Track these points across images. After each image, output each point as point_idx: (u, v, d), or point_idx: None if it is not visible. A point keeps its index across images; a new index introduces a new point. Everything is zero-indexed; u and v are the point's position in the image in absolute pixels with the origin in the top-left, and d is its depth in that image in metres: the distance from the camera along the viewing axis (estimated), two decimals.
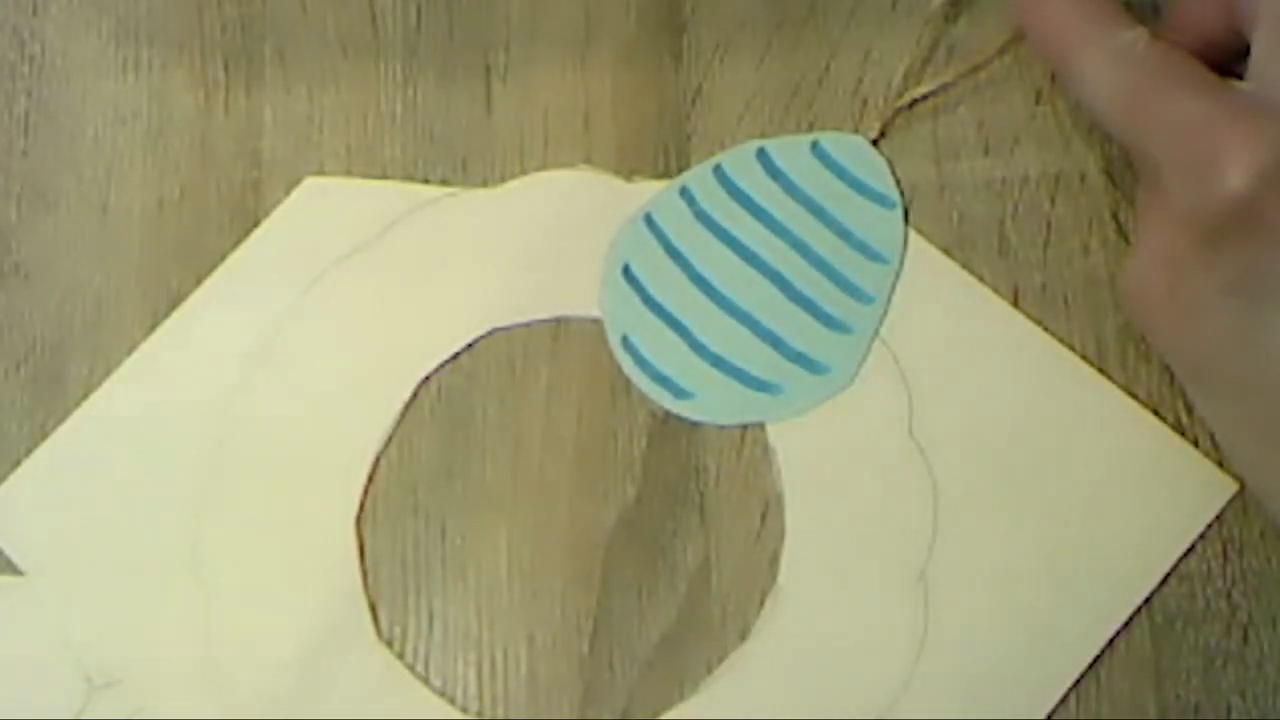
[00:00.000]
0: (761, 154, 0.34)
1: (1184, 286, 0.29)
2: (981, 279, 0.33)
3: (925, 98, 0.34)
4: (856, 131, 0.35)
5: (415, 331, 0.34)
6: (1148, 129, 0.29)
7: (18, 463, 0.33)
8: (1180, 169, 0.29)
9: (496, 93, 0.35)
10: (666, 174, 0.35)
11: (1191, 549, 0.32)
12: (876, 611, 0.31)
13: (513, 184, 0.35)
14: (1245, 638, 0.31)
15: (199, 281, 0.34)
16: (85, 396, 0.33)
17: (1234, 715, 0.31)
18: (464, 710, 0.32)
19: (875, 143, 0.34)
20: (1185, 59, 0.29)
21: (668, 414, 0.33)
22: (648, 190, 0.34)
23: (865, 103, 0.35)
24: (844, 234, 0.34)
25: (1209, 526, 0.32)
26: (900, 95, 0.34)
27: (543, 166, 0.35)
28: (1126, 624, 0.31)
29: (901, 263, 0.34)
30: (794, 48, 0.35)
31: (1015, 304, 0.33)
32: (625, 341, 0.33)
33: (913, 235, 0.34)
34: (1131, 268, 0.31)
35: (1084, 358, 0.33)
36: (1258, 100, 0.28)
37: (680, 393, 0.33)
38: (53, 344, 0.34)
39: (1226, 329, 0.28)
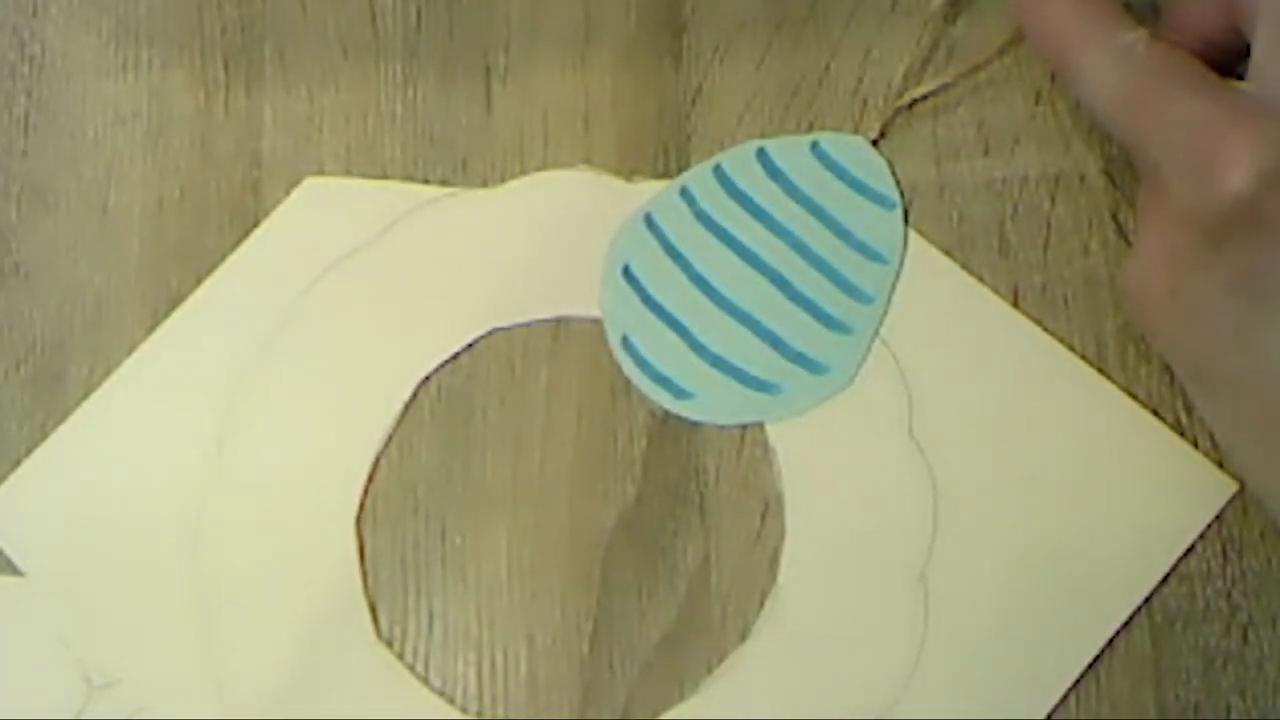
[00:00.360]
0: (761, 154, 0.34)
1: (1185, 286, 0.29)
2: (981, 279, 0.33)
3: (925, 98, 0.34)
4: (856, 131, 0.35)
5: (415, 331, 0.34)
6: (1148, 129, 0.29)
7: (18, 463, 0.33)
8: (1181, 169, 0.28)
9: (496, 93, 0.35)
10: (666, 174, 0.35)
11: (1191, 549, 0.32)
12: (876, 611, 0.31)
13: (513, 184, 0.35)
14: (1245, 638, 0.31)
15: (199, 281, 0.34)
16: (85, 396, 0.33)
17: (1234, 715, 0.31)
18: (464, 710, 0.32)
19: (875, 143, 0.34)
20: (1186, 59, 0.29)
21: (668, 414, 0.33)
22: (648, 190, 0.34)
23: (865, 103, 0.35)
24: (844, 234, 0.34)
25: (1209, 526, 0.32)
26: (900, 95, 0.34)
27: (543, 166, 0.35)
28: (1126, 624, 0.31)
29: (901, 263, 0.34)
30: (794, 48, 0.35)
31: (1015, 304, 0.33)
32: (625, 341, 0.33)
33: (913, 235, 0.34)
34: (1132, 268, 0.31)
35: (1084, 358, 0.33)
36: (1258, 101, 0.28)
37: (680, 393, 0.33)
38: (53, 344, 0.34)
39: (1227, 329, 0.28)
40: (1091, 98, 0.30)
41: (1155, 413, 0.32)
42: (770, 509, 0.32)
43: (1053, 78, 0.34)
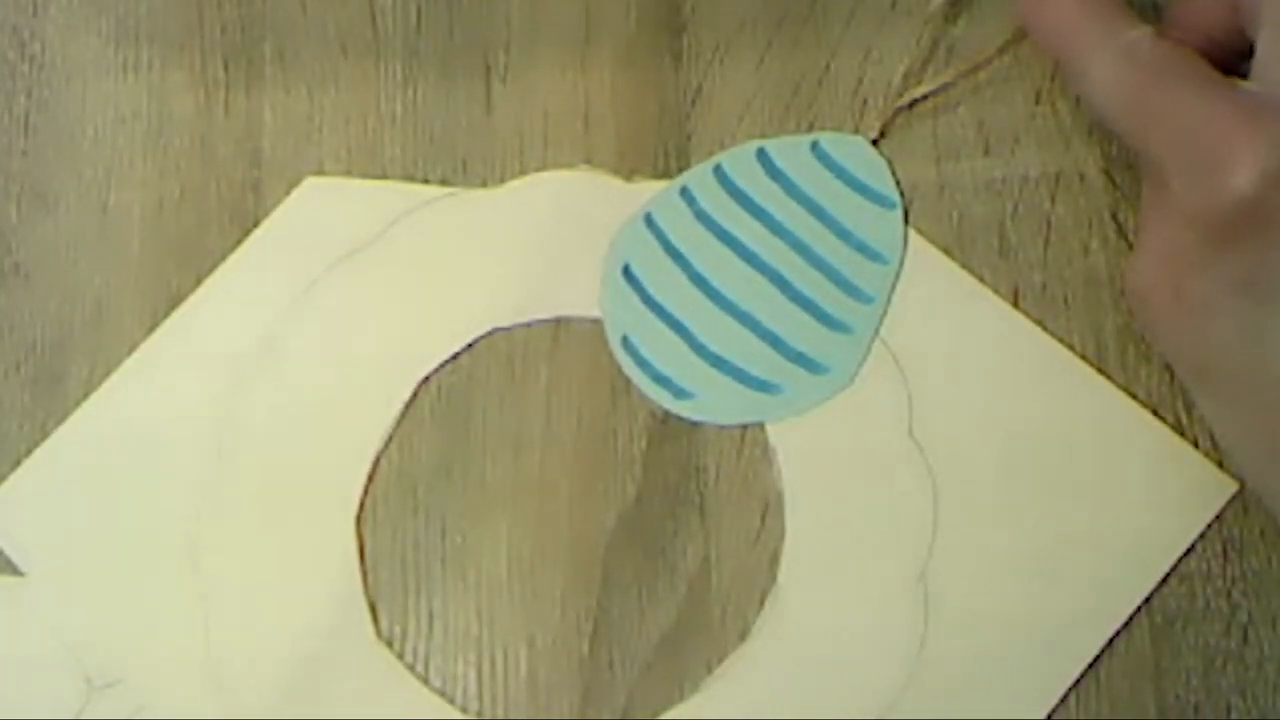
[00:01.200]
0: (761, 154, 0.34)
1: (1188, 286, 0.29)
2: (981, 279, 0.33)
3: (925, 98, 0.34)
4: (856, 131, 0.35)
5: (415, 331, 0.34)
6: (1153, 128, 0.29)
7: (18, 463, 0.33)
8: (1186, 169, 0.28)
9: (496, 93, 0.35)
10: (666, 174, 0.35)
11: (1191, 549, 0.32)
12: (876, 611, 0.31)
13: (513, 184, 0.35)
14: (1245, 638, 0.31)
15: (199, 281, 0.34)
16: (85, 396, 0.33)
17: (1234, 715, 0.31)
18: (464, 710, 0.32)
19: (875, 143, 0.34)
20: (1191, 58, 0.29)
21: (668, 414, 0.33)
22: (648, 190, 0.34)
23: (865, 103, 0.35)
24: (844, 234, 0.34)
25: (1209, 526, 0.32)
26: (900, 95, 0.34)
27: (543, 166, 0.35)
28: (1126, 624, 0.31)
29: (901, 263, 0.34)
30: (794, 48, 0.35)
31: (1015, 304, 0.33)
32: (625, 341, 0.33)
33: (913, 235, 0.34)
34: (1135, 266, 0.31)
35: (1084, 358, 0.33)
36: (1263, 100, 0.28)
37: (680, 393, 0.33)
38: (53, 344, 0.34)
39: (1231, 329, 0.28)
40: (1095, 96, 0.30)
41: (1155, 413, 0.32)
42: (770, 509, 0.32)
43: (1053, 78, 0.34)
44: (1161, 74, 0.29)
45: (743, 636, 0.32)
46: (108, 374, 0.34)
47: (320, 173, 0.35)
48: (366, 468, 0.33)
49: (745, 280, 0.34)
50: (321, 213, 0.35)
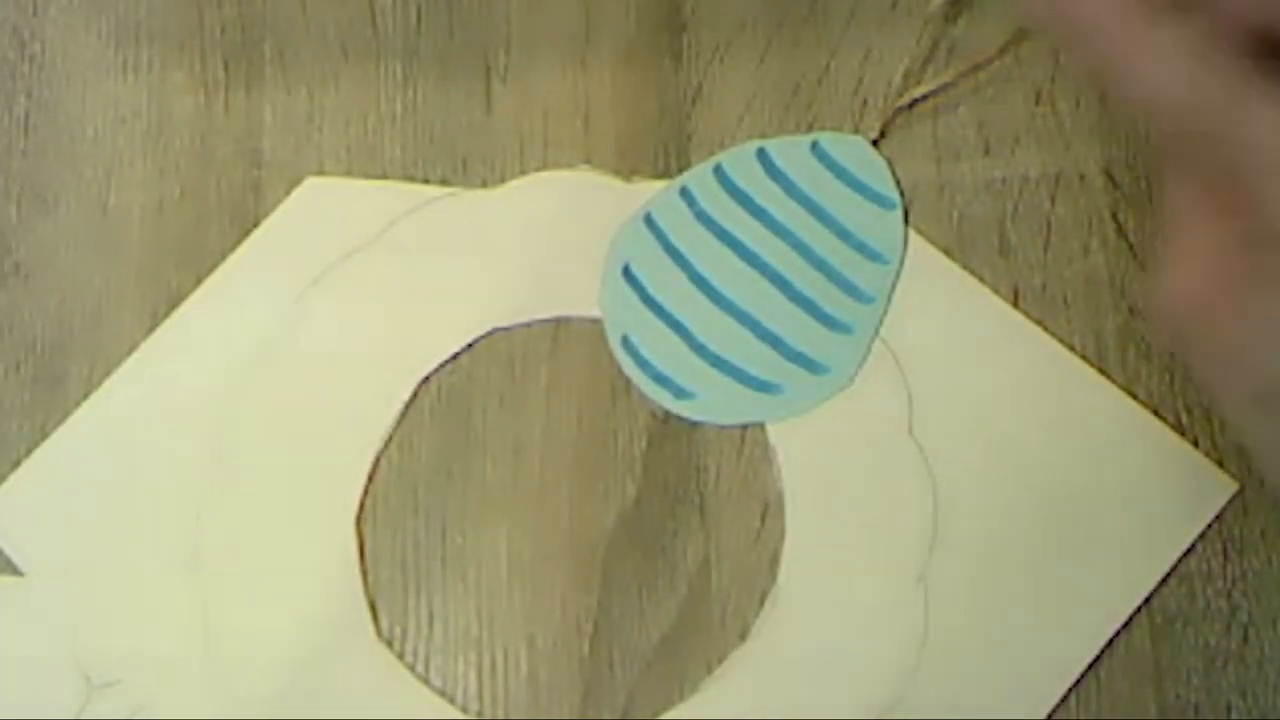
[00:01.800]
0: (761, 154, 0.34)
1: (1259, 304, 0.25)
2: (981, 279, 0.33)
3: (925, 98, 0.34)
4: (856, 131, 0.35)
5: (415, 331, 0.34)
6: (1225, 132, 0.27)
7: (18, 463, 0.33)
8: (1273, 175, 0.25)
9: (496, 93, 0.35)
10: (666, 174, 0.35)
11: (1191, 549, 0.32)
12: (876, 612, 0.31)
13: (513, 184, 0.35)
14: (1245, 638, 0.31)
15: (199, 281, 0.34)
16: (85, 396, 0.33)
17: (1234, 715, 0.31)
18: (464, 710, 0.31)
19: (875, 143, 0.34)
20: (1253, 51, 0.26)
21: (668, 414, 0.33)
22: (648, 190, 0.34)
23: (865, 103, 0.35)
24: (844, 234, 0.34)
25: (1209, 526, 0.32)
26: (900, 95, 0.34)
27: (543, 166, 0.35)
28: (1126, 624, 0.31)
29: (901, 263, 0.34)
30: (794, 48, 0.35)
31: (1015, 304, 0.33)
32: (625, 341, 0.33)
33: (913, 235, 0.34)
34: (1173, 281, 0.27)
35: (1084, 358, 0.33)
36: None
37: (680, 393, 0.33)
38: (53, 344, 0.34)
39: None
40: (1151, 98, 0.27)
41: (1155, 413, 0.32)
42: (770, 509, 0.32)
43: (1053, 78, 0.34)
44: (1228, 73, 0.27)
45: (743, 636, 0.32)
46: (108, 374, 0.34)
47: (320, 173, 0.35)
48: (366, 468, 0.33)
49: (745, 280, 0.34)
50: (321, 213, 0.35)
